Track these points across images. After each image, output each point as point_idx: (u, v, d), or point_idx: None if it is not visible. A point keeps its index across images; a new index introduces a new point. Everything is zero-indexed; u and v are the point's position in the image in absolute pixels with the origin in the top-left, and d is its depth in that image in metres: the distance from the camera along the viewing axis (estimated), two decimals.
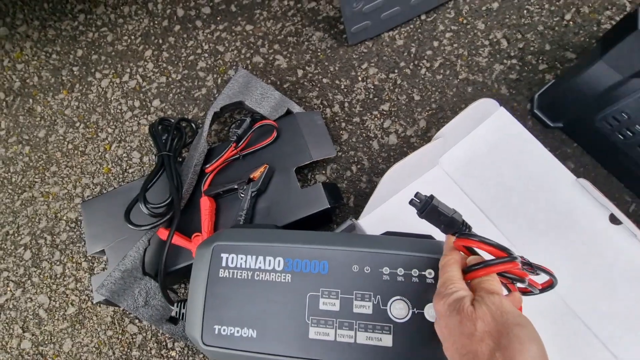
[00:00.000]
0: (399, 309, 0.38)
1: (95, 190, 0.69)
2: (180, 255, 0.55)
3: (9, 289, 0.66)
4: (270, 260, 0.40)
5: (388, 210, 0.52)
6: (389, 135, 0.62)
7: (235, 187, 0.55)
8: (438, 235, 0.40)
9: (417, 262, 0.39)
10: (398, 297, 0.38)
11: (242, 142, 0.57)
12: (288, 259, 0.40)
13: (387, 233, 0.43)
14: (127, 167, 0.69)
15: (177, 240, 0.54)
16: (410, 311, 0.38)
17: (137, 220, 0.53)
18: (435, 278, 0.38)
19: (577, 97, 0.51)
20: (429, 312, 0.37)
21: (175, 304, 0.45)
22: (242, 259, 0.40)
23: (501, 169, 0.54)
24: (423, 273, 0.38)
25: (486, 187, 0.53)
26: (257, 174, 0.55)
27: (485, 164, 0.54)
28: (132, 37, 0.75)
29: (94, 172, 0.69)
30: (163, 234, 0.54)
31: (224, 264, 0.40)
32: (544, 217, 0.51)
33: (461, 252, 0.36)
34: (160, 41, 0.74)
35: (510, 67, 0.62)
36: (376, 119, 0.63)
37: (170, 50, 0.73)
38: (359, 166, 0.62)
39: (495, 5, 0.65)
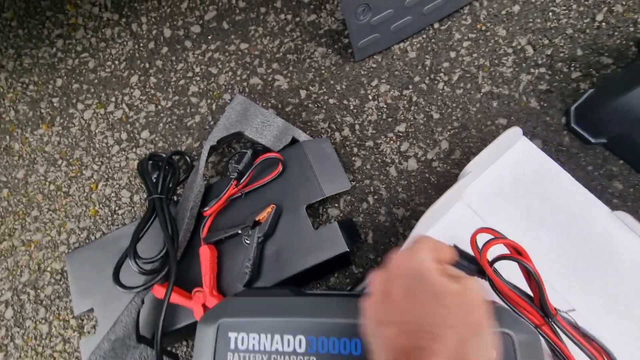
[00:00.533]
0: None
1: (82, 235, 0.60)
2: (181, 312, 0.47)
3: None
4: (289, 340, 0.32)
5: None
6: (408, 160, 0.55)
7: (239, 232, 0.47)
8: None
9: None
10: None
11: (243, 179, 0.50)
12: (311, 337, 0.32)
13: None
14: (117, 208, 0.61)
15: (175, 298, 0.46)
16: None
17: (128, 279, 0.45)
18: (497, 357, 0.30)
19: (627, 112, 0.44)
20: None
21: None
22: (254, 339, 0.32)
23: (529, 201, 0.47)
24: None
25: (513, 221, 0.46)
26: (263, 215, 0.47)
27: (512, 197, 0.47)
28: (116, 62, 0.67)
29: (79, 215, 0.61)
30: (159, 292, 0.46)
31: (232, 346, 0.32)
32: (579, 253, 0.44)
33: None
34: (147, 65, 0.66)
35: (539, 76, 0.54)
36: (392, 141, 0.56)
37: (158, 75, 0.65)
38: (375, 197, 0.54)
39: (516, 8, 0.57)
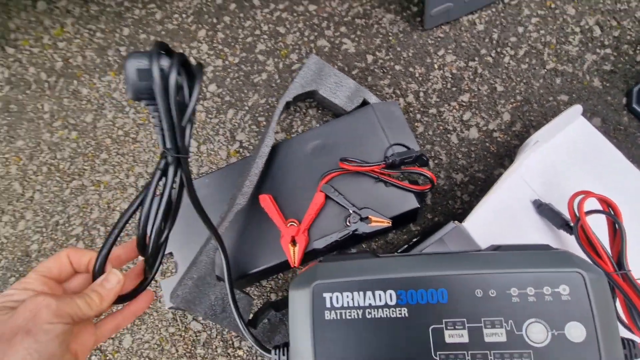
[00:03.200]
0: (536, 333, 0.30)
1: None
2: (257, 256, 0.47)
3: None
4: (380, 295, 0.32)
5: (486, 212, 0.43)
6: (469, 129, 0.53)
7: (350, 211, 0.45)
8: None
9: (547, 279, 0.31)
10: (533, 320, 0.31)
11: (391, 170, 0.46)
12: (400, 291, 0.32)
13: (495, 247, 0.35)
14: None
15: (273, 214, 0.46)
16: (549, 333, 0.30)
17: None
18: (571, 294, 0.31)
19: None
20: (571, 332, 0.30)
21: (273, 351, 0.35)
22: (348, 296, 0.32)
23: (582, 179, 0.45)
24: (557, 290, 0.31)
25: (566, 197, 0.44)
26: (377, 221, 0.44)
27: (566, 174, 0.46)
28: (184, 16, 0.63)
29: (147, 160, 0.60)
30: (264, 200, 0.47)
31: (328, 305, 0.32)
32: (630, 233, 0.43)
33: None
34: (215, 20, 0.62)
35: (604, 57, 0.52)
36: (455, 110, 0.53)
37: (225, 31, 0.61)
38: (436, 161, 0.53)
39: None
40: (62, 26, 0.67)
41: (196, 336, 0.53)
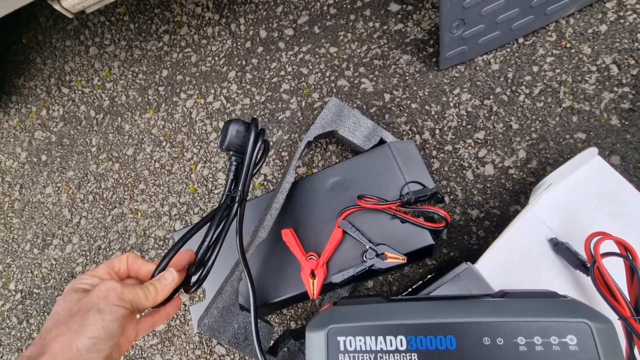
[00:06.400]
0: None
1: (182, 209, 0.62)
2: (278, 286, 0.48)
3: None
4: (391, 340, 0.32)
5: (499, 253, 0.42)
6: (485, 166, 0.52)
7: (367, 247, 0.46)
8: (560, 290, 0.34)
9: (554, 328, 0.30)
10: None
11: (408, 207, 0.46)
12: (410, 336, 0.32)
13: (503, 293, 0.35)
14: (213, 188, 0.61)
15: (294, 248, 0.47)
16: None
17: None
18: (579, 344, 0.30)
19: None
20: None
21: None
22: (360, 340, 0.32)
23: (598, 217, 0.44)
24: (564, 340, 0.30)
25: (583, 234, 0.43)
26: (392, 257, 0.45)
27: (581, 212, 0.44)
28: (216, 58, 0.67)
29: (180, 191, 0.63)
30: (286, 235, 0.48)
31: (342, 348, 0.32)
32: None
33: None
34: (244, 62, 0.65)
35: (622, 95, 0.50)
36: (470, 147, 0.53)
37: (253, 72, 0.64)
38: (452, 197, 0.52)
39: (604, 28, 0.53)
40: (109, 69, 0.72)
41: None
